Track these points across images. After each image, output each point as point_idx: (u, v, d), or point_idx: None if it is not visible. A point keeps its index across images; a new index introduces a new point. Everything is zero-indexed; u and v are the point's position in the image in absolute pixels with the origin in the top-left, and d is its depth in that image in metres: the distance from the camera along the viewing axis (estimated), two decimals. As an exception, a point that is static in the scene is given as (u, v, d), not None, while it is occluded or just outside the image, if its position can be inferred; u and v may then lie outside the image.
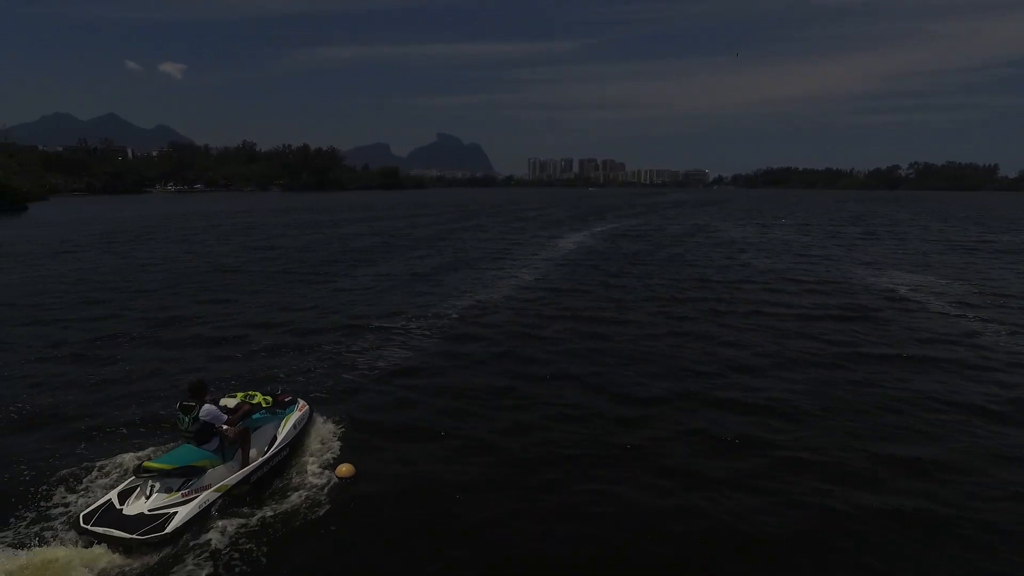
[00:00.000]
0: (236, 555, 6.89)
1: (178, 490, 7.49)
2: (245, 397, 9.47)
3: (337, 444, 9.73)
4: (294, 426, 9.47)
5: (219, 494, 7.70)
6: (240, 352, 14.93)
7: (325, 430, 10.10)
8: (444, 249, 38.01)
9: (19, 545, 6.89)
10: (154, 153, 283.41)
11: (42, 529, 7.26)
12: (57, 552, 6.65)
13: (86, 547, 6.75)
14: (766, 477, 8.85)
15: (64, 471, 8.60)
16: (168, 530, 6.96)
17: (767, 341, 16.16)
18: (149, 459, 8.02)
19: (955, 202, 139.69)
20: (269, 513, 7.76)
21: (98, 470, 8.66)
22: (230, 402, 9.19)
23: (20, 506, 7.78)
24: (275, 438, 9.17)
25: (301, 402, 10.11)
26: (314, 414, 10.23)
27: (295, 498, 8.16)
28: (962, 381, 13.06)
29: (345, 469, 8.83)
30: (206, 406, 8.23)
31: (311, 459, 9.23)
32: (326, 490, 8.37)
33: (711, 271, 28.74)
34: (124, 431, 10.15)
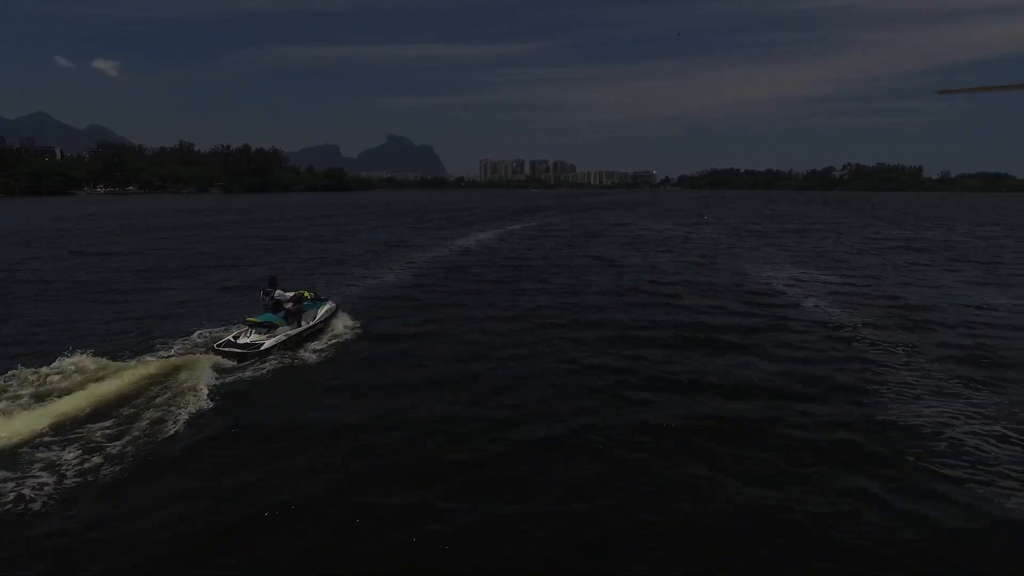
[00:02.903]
0: (291, 364, 13.32)
1: (264, 334, 14.11)
2: (300, 291, 15.95)
3: (350, 324, 16.54)
4: (327, 311, 16.35)
5: (284, 338, 14.28)
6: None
7: (345, 317, 16.87)
8: (320, 250, 36.32)
9: (180, 354, 13.47)
10: (85, 153, 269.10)
11: (192, 350, 13.93)
12: (199, 358, 12.89)
13: (224, 358, 13.05)
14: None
15: (205, 329, 15.60)
16: (261, 350, 13.46)
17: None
18: (250, 317, 14.51)
19: (880, 202, 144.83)
20: (312, 349, 14.36)
21: (223, 328, 15.60)
22: (291, 293, 15.48)
23: (184, 341, 14.62)
24: (315, 315, 15.88)
25: (332, 303, 17.04)
26: (339, 309, 17.21)
27: (324, 345, 14.80)
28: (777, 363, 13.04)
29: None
30: (278, 291, 15.05)
31: (334, 330, 16.02)
32: (341, 343, 15.09)
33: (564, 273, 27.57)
34: (235, 314, 17.19)
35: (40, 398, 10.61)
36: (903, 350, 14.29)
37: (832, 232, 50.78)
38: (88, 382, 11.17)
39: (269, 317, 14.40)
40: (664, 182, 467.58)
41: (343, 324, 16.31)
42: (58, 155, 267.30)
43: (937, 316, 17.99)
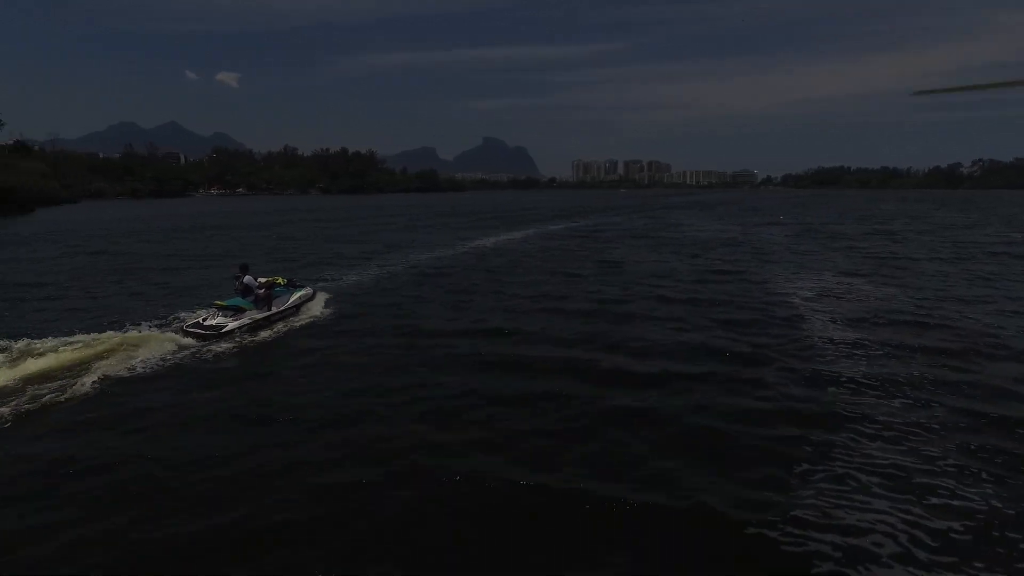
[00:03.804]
0: (248, 345, 14.02)
1: (230, 317, 14.77)
2: (273, 278, 16.79)
3: (325, 308, 17.65)
4: (299, 298, 17.01)
5: (249, 321, 14.97)
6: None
7: (321, 302, 18.05)
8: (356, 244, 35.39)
9: (147, 332, 14.35)
10: (205, 159, 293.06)
11: (164, 328, 14.94)
12: (160, 336, 13.95)
13: (183, 337, 13.92)
14: None
15: (178, 312, 16.67)
16: (222, 331, 14.18)
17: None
18: (218, 301, 15.29)
19: (1014, 200, 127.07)
20: (273, 332, 15.14)
21: (191, 311, 16.61)
22: (263, 279, 16.33)
23: (157, 323, 15.53)
24: (286, 302, 16.50)
25: (309, 288, 18.08)
26: (317, 293, 18.40)
27: (287, 328, 15.52)
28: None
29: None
30: (247, 276, 15.74)
31: (309, 312, 17.01)
32: (306, 327, 15.80)
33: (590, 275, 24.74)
34: (206, 296, 18.17)
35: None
36: (900, 403, 10.54)
37: (929, 233, 43.97)
38: (48, 353, 12.26)
39: (237, 301, 15.29)
40: (766, 181, 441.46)
41: (317, 310, 17.28)
42: (182, 160, 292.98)
43: (991, 352, 13.72)
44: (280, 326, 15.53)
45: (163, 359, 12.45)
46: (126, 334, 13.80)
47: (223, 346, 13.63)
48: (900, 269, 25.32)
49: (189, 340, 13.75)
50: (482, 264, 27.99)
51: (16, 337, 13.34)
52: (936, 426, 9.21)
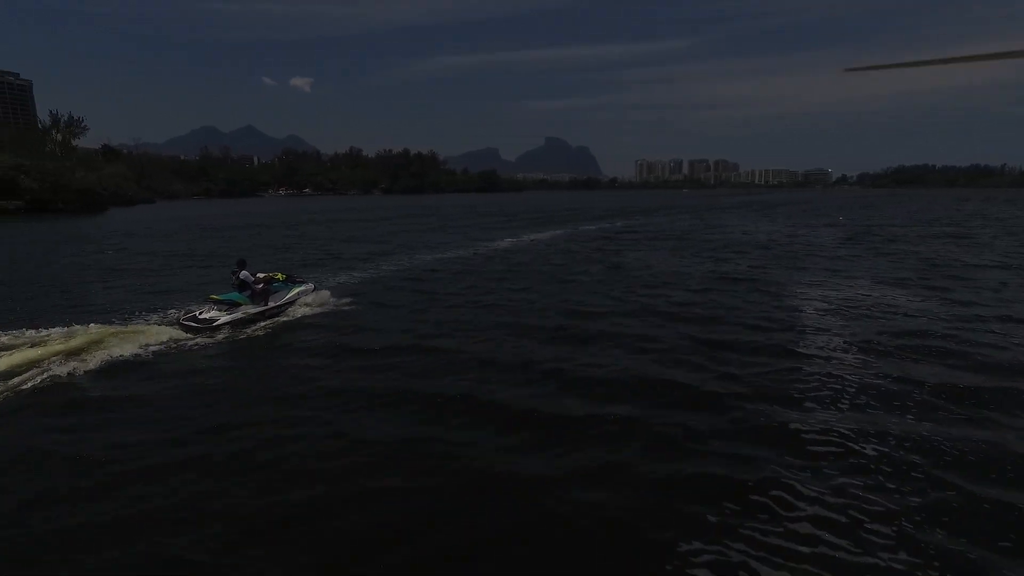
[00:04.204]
0: (242, 338, 14.21)
1: (224, 311, 15.04)
2: (271, 273, 16.85)
3: (323, 303, 17.54)
4: (297, 293, 17.06)
5: (243, 315, 15.18)
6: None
7: (324, 295, 18.01)
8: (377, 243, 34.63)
9: (151, 324, 14.79)
10: (275, 160, 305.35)
11: (161, 322, 15.17)
12: (164, 328, 14.22)
13: (177, 330, 14.17)
14: None
15: (181, 305, 16.80)
16: (214, 324, 14.45)
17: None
18: (213, 295, 15.64)
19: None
20: (266, 327, 15.15)
21: (190, 304, 16.62)
22: (261, 274, 16.36)
23: (159, 315, 15.92)
24: (283, 297, 16.57)
25: (310, 284, 18.16)
26: (318, 289, 18.31)
27: (280, 323, 15.59)
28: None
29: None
30: (243, 271, 15.79)
31: (307, 307, 17.00)
32: (305, 319, 16.08)
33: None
34: (201, 292, 18.00)
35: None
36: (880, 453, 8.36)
37: (1006, 237, 39.03)
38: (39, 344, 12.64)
39: (233, 296, 15.54)
40: (840, 181, 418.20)
41: (316, 305, 17.25)
42: (255, 162, 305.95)
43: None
44: (273, 320, 15.69)
45: (152, 350, 12.75)
46: (121, 327, 14.25)
47: (212, 339, 13.89)
48: (953, 279, 21.98)
49: (182, 333, 14.07)
50: (486, 267, 26.46)
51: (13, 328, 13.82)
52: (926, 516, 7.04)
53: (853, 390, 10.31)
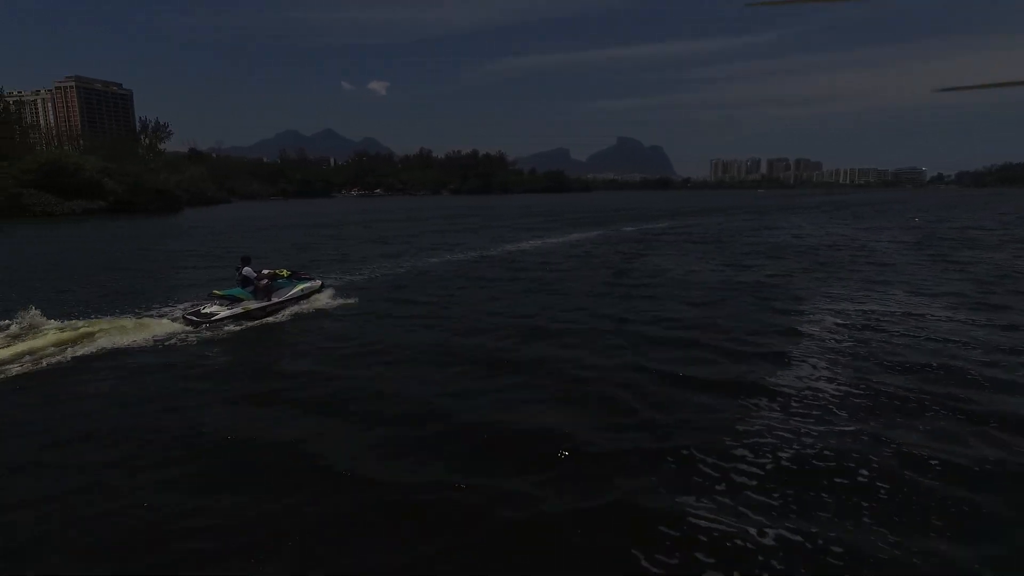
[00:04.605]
0: (240, 333, 14.46)
1: (225, 306, 15.33)
2: (276, 270, 17.04)
3: (327, 301, 17.55)
4: (301, 290, 17.11)
5: (242, 311, 15.34)
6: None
7: (328, 293, 18.03)
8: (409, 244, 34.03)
9: (155, 318, 15.09)
10: (350, 162, 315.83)
11: (162, 316, 15.39)
12: (165, 323, 14.59)
13: (182, 324, 14.48)
14: None
15: (181, 302, 17.16)
16: (213, 319, 14.71)
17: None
18: (216, 291, 15.83)
19: None
20: (267, 323, 15.51)
21: (192, 300, 17.13)
22: (266, 271, 16.68)
23: (167, 309, 16.36)
24: (287, 293, 16.72)
25: (317, 281, 18.19)
26: (324, 286, 18.25)
27: (288, 316, 16.02)
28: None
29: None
30: (246, 268, 16.14)
31: (311, 304, 17.10)
32: (304, 315, 16.29)
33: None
34: (204, 288, 18.38)
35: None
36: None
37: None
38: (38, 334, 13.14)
39: (235, 291, 15.79)
40: (936, 180, 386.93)
41: (319, 302, 17.32)
42: (332, 163, 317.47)
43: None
44: (274, 316, 15.96)
45: (149, 342, 13.19)
46: (125, 319, 14.66)
47: (210, 333, 14.17)
48: (1019, 296, 18.70)
49: (182, 326, 14.40)
50: (477, 272, 25.03)
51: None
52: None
53: (811, 456, 8.22)
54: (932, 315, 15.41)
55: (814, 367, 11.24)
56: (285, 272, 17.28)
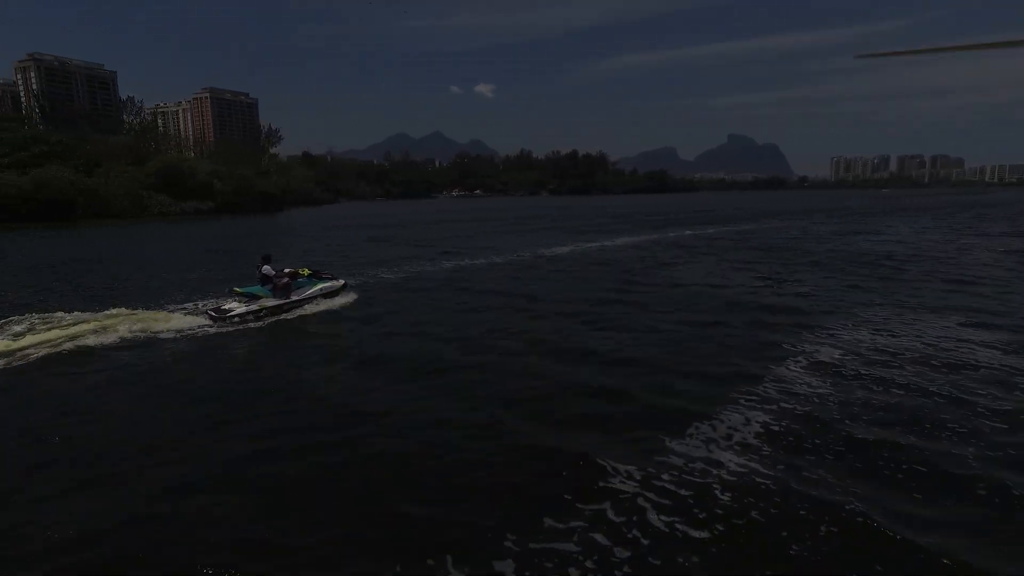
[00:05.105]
0: (257, 328, 15.08)
1: (243, 303, 15.79)
2: (296, 269, 17.46)
3: (348, 301, 18.01)
4: (320, 289, 17.48)
5: (258, 308, 15.82)
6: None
7: (350, 293, 18.51)
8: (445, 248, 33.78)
9: (193, 315, 15.84)
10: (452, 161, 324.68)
11: (189, 314, 15.97)
12: (187, 317, 15.43)
13: (204, 319, 15.22)
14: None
15: (205, 300, 18.13)
16: (229, 315, 15.28)
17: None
18: (236, 288, 16.28)
19: None
20: (282, 317, 16.12)
21: (215, 298, 18.08)
22: (287, 270, 17.08)
23: (188, 308, 16.98)
24: (306, 292, 17.16)
25: (340, 280, 18.46)
26: (347, 286, 18.64)
27: (304, 315, 16.43)
28: None
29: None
30: (266, 266, 16.52)
31: (330, 303, 17.42)
32: (322, 314, 16.70)
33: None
34: (225, 287, 18.63)
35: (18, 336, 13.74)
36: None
37: None
38: (71, 325, 14.41)
39: (255, 289, 16.30)
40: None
41: (339, 302, 17.64)
42: (437, 165, 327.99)
43: None
44: (289, 314, 16.37)
45: (168, 335, 14.15)
46: (156, 312, 15.82)
47: (226, 328, 14.87)
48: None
49: (202, 321, 15.21)
50: (485, 278, 23.72)
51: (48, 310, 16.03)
52: None
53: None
54: (972, 358, 12.00)
55: (746, 417, 9.08)
56: (305, 271, 17.68)
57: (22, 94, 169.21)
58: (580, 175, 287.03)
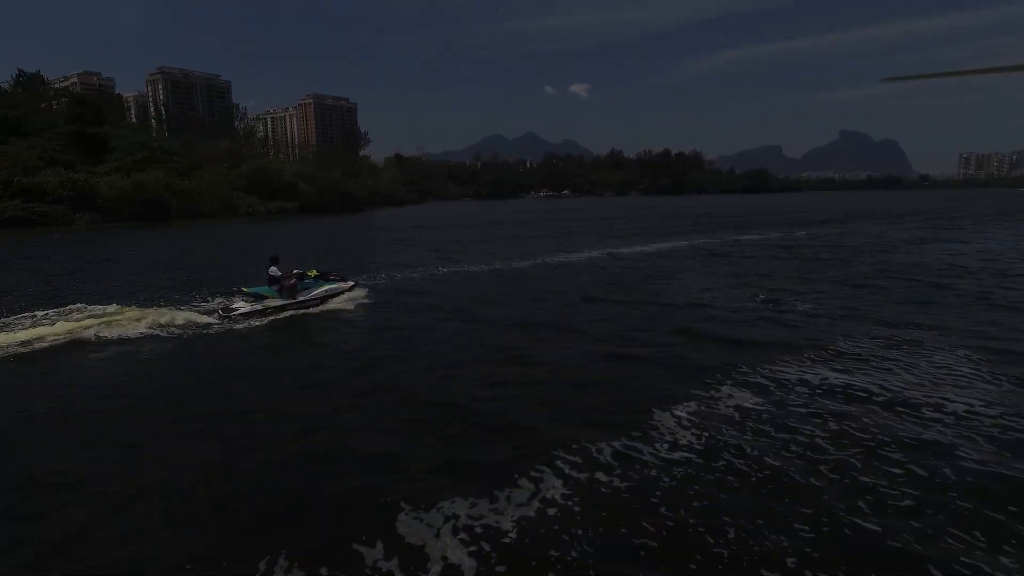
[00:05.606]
0: (262, 326, 15.71)
1: (249, 303, 16.43)
2: (304, 271, 17.96)
3: (355, 302, 18.21)
4: (326, 290, 17.89)
5: (262, 307, 16.44)
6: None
7: (359, 294, 18.69)
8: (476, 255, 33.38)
9: (199, 312, 16.51)
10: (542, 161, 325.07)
11: (202, 313, 16.44)
12: (194, 315, 15.97)
13: (212, 317, 15.90)
14: None
15: (215, 299, 18.60)
16: (234, 314, 15.95)
17: None
18: (244, 288, 17.02)
19: None
20: (287, 317, 16.60)
21: (225, 297, 18.61)
22: (296, 271, 17.65)
23: (203, 305, 17.79)
24: (312, 292, 17.60)
25: (350, 282, 18.97)
26: (356, 287, 18.95)
27: (308, 315, 16.83)
28: None
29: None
30: (273, 267, 17.04)
31: (336, 304, 17.81)
32: (326, 315, 17.04)
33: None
34: (234, 287, 19.09)
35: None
36: None
37: None
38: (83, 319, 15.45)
39: (261, 289, 16.92)
40: None
41: (346, 303, 17.91)
42: (528, 165, 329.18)
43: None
44: (298, 314, 16.91)
45: (176, 332, 14.84)
46: (168, 309, 16.53)
47: (232, 327, 15.39)
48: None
49: (209, 319, 15.80)
50: (482, 287, 22.73)
51: (67, 304, 17.39)
52: None
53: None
54: (962, 404, 9.80)
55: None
56: (313, 272, 18.22)
57: (150, 104, 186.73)
58: (672, 175, 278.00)
